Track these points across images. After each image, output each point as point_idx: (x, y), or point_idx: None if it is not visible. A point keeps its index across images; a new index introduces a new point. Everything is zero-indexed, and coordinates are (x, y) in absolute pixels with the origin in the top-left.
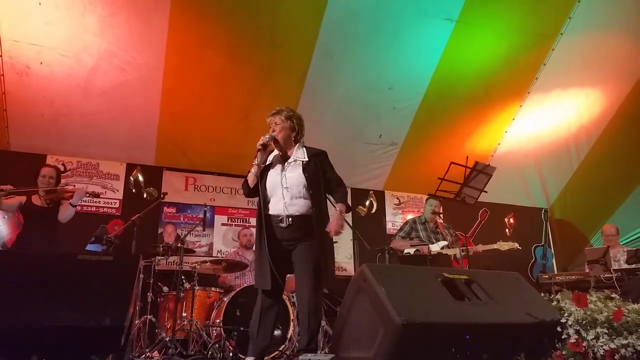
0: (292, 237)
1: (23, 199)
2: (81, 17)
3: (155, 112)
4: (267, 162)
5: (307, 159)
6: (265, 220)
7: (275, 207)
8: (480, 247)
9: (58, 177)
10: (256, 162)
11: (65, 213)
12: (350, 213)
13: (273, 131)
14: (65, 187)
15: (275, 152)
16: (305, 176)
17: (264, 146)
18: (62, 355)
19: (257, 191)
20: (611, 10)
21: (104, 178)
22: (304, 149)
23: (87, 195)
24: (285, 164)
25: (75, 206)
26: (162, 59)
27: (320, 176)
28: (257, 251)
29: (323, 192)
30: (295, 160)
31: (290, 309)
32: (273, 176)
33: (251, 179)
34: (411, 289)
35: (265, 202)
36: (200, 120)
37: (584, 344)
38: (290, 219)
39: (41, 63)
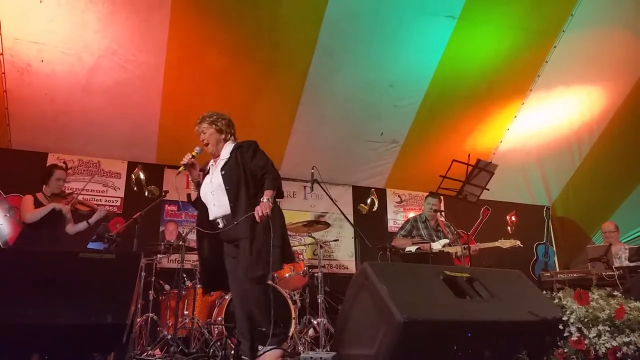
0: (232, 238)
1: (31, 198)
2: (82, 15)
3: (156, 110)
4: (206, 170)
5: (228, 156)
6: (208, 226)
7: (210, 212)
8: (476, 246)
9: (66, 177)
10: (190, 179)
11: (78, 227)
12: (352, 211)
13: (202, 140)
14: (76, 200)
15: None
16: (222, 174)
17: (187, 166)
18: (63, 354)
19: (198, 202)
20: (613, 8)
21: (106, 176)
22: (232, 145)
23: (108, 214)
24: (215, 166)
25: (90, 225)
26: (163, 57)
27: (240, 169)
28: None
29: (245, 186)
30: (221, 161)
31: (292, 307)
32: (205, 182)
33: (192, 195)
34: (413, 287)
35: (204, 210)
36: None
37: (585, 342)
38: (223, 220)
39: (42, 61)
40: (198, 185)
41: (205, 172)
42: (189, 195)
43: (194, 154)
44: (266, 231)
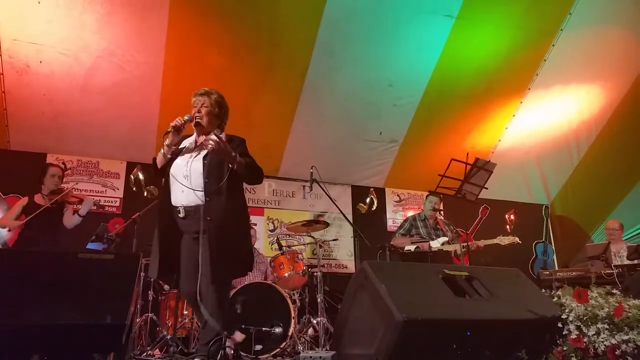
0: (191, 230)
1: (25, 200)
2: (80, 16)
3: (155, 110)
4: (181, 146)
5: (212, 145)
6: (168, 209)
7: (175, 196)
8: (481, 242)
9: (63, 175)
10: (166, 142)
11: (72, 221)
12: (351, 210)
13: (198, 112)
14: (72, 191)
15: (193, 136)
16: (204, 163)
17: (175, 128)
18: (63, 354)
19: (164, 172)
20: (611, 6)
21: (104, 176)
22: (220, 135)
23: (94, 207)
24: (194, 150)
25: (82, 216)
26: (162, 57)
27: (226, 164)
28: (154, 240)
29: (225, 181)
30: (202, 146)
31: (291, 307)
32: (179, 163)
33: (159, 160)
34: (412, 286)
35: (167, 189)
36: None
37: (584, 340)
38: (185, 209)
39: (40, 62)
40: (172, 153)
41: (179, 149)
42: (154, 160)
43: (184, 119)
44: (230, 234)
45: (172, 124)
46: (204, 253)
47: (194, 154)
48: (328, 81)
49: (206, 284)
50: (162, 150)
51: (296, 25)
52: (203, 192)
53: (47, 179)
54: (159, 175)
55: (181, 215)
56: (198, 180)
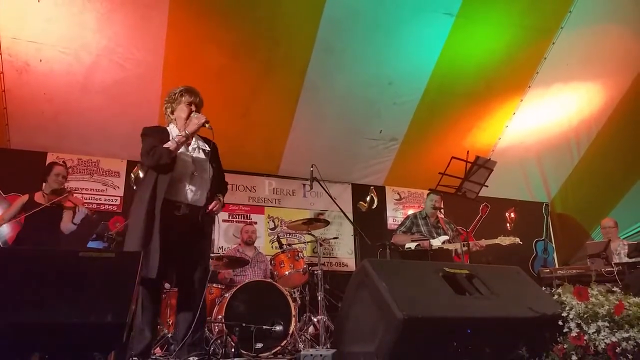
0: (184, 228)
1: (25, 198)
2: (80, 14)
3: (155, 108)
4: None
5: (209, 149)
6: (169, 204)
7: (179, 192)
8: (483, 242)
9: (66, 175)
10: (186, 132)
11: (68, 227)
12: (351, 209)
13: (197, 111)
14: (72, 195)
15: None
16: (212, 166)
17: (207, 123)
18: (64, 353)
19: (171, 166)
20: (611, 4)
21: (105, 175)
22: (200, 138)
23: (88, 213)
24: (190, 149)
25: (77, 224)
26: (162, 56)
27: (215, 167)
28: (144, 235)
29: (216, 184)
30: (197, 147)
31: (292, 305)
32: (183, 159)
33: (174, 147)
34: (412, 284)
35: (166, 185)
36: None
37: (585, 338)
38: (188, 207)
39: (40, 60)
40: (182, 146)
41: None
42: (168, 151)
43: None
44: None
45: (206, 119)
46: (200, 257)
47: (194, 153)
48: (328, 80)
49: (197, 285)
50: (176, 142)
51: (296, 23)
52: (209, 193)
53: (51, 177)
54: (163, 169)
55: (181, 212)
56: (204, 180)
